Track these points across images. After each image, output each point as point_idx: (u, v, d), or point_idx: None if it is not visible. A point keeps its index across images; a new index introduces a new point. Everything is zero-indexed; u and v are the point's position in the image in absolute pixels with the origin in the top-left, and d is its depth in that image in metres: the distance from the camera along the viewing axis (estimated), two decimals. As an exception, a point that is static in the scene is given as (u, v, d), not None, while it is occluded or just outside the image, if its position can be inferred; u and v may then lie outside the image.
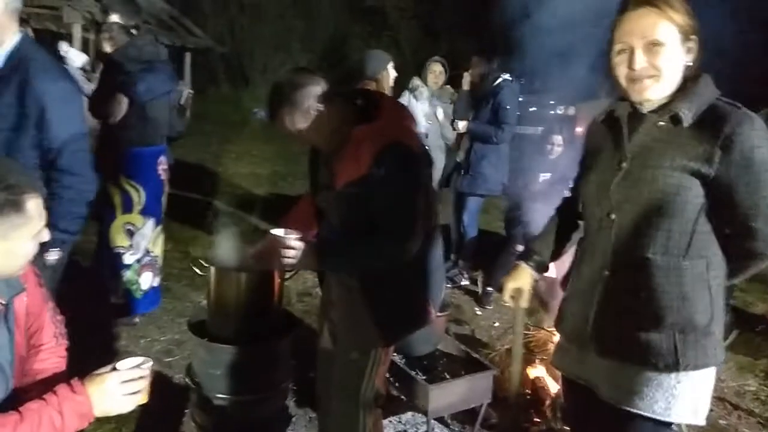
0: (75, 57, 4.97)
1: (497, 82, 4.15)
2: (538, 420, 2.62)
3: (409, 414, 2.70)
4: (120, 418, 2.35)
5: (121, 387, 1.34)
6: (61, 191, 1.95)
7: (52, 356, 1.53)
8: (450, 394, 2.49)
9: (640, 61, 1.38)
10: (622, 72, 1.43)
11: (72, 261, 3.74)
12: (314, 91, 1.71)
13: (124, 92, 2.99)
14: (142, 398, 1.38)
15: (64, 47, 5.28)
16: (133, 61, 3.05)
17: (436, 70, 4.48)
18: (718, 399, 3.12)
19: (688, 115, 1.37)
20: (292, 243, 1.71)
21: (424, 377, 2.53)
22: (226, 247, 2.15)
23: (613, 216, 1.46)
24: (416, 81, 4.51)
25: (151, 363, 1.40)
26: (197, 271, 2.32)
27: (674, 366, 1.42)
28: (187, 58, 11.73)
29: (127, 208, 3.15)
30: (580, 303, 1.56)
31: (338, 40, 15.91)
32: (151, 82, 3.07)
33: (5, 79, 1.92)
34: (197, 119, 9.25)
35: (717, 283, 1.45)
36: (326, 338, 2.08)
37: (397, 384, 2.59)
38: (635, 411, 1.45)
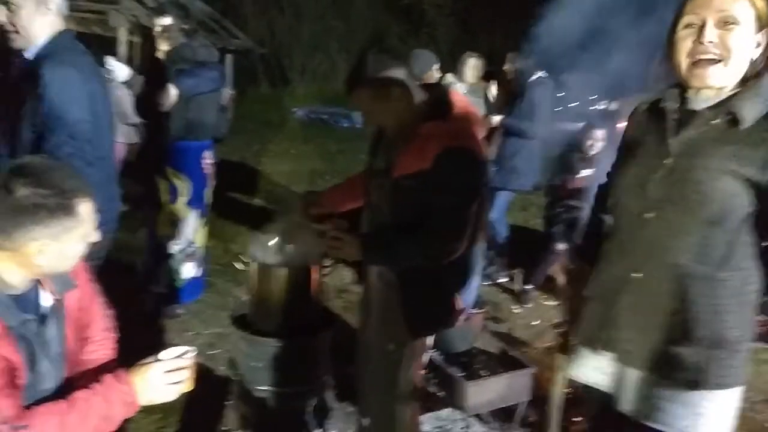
0: (120, 71, 5.17)
1: (533, 78, 4.11)
2: (578, 419, 2.58)
3: (446, 410, 2.69)
4: (165, 408, 2.43)
5: (165, 376, 1.38)
6: None
7: (102, 348, 1.59)
8: (488, 392, 2.48)
9: (710, 35, 1.26)
10: (685, 48, 1.30)
11: (117, 258, 3.89)
12: (396, 73, 1.71)
13: (174, 84, 3.09)
14: (185, 387, 1.42)
15: (109, 62, 5.51)
16: (187, 61, 3.17)
17: (471, 65, 4.45)
18: (769, 402, 3.01)
19: (749, 116, 1.26)
20: (340, 234, 1.77)
21: (461, 374, 2.52)
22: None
23: (648, 215, 1.36)
24: (450, 77, 4.49)
25: (193, 353, 1.45)
26: (239, 266, 2.37)
27: (699, 383, 1.33)
28: (228, 59, 11.96)
29: (173, 199, 3.26)
30: (600, 304, 1.47)
31: (376, 38, 15.95)
32: (200, 79, 3.18)
33: (32, 72, 1.98)
34: (238, 119, 9.44)
35: (752, 298, 1.35)
36: (366, 329, 2.10)
37: (434, 380, 2.59)
38: (658, 427, 1.38)
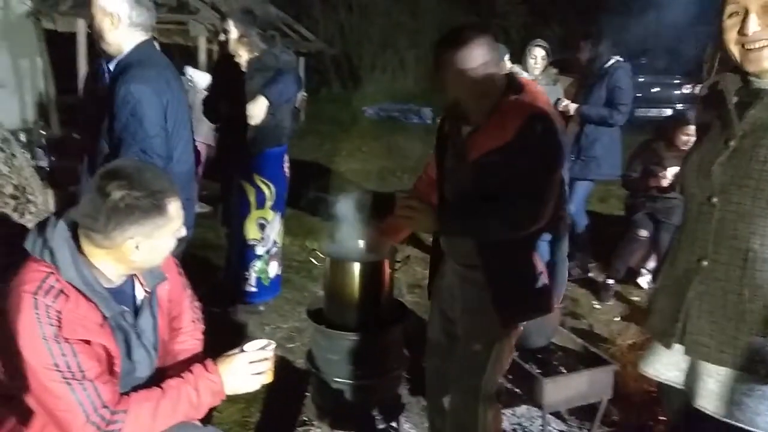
0: (200, 79, 5.41)
1: (609, 63, 3.96)
2: (663, 418, 2.47)
3: (524, 407, 2.65)
4: (248, 399, 2.54)
5: (249, 367, 1.45)
6: None
7: (191, 338, 1.69)
8: (566, 389, 2.41)
9: (754, 25, 1.22)
10: (732, 38, 1.26)
11: (202, 255, 4.08)
12: (486, 41, 1.72)
13: (264, 94, 3.17)
14: (267, 377, 1.48)
15: (189, 71, 5.77)
16: (270, 68, 3.25)
17: (538, 55, 4.34)
18: None
19: None
20: (413, 203, 1.74)
21: (538, 370, 2.47)
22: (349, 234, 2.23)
23: (714, 200, 1.30)
24: (516, 68, 4.39)
25: (274, 345, 1.51)
26: (314, 262, 2.44)
27: None
28: (301, 62, 12.23)
29: (260, 203, 3.40)
30: (671, 296, 1.41)
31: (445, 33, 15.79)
32: (285, 86, 3.25)
33: (113, 84, 2.09)
34: (311, 120, 9.64)
35: None
36: (437, 329, 2.10)
37: (510, 376, 2.55)
38: (739, 425, 1.29)
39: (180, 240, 2.16)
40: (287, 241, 4.03)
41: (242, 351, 1.48)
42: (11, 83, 9.63)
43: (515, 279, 1.83)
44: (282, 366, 2.82)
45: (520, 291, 1.84)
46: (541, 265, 1.83)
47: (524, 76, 4.24)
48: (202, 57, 8.28)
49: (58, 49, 8.81)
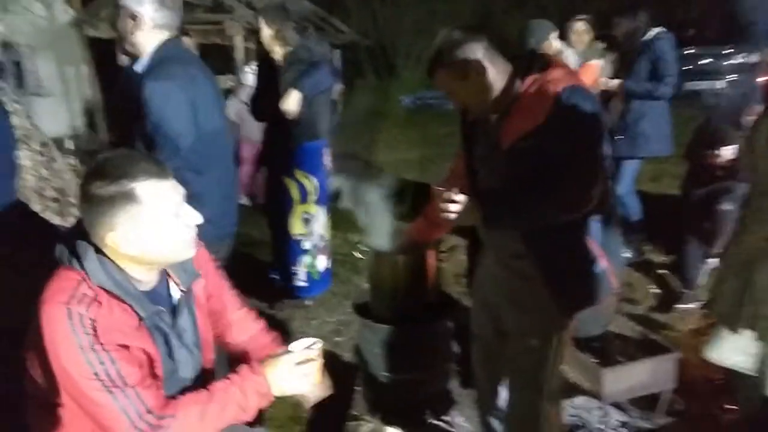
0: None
1: (652, 35, 3.74)
2: (731, 407, 2.32)
3: (581, 398, 2.54)
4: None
5: (296, 368, 1.40)
6: None
7: (250, 324, 1.64)
8: (626, 379, 2.30)
9: None
10: None
11: (248, 252, 4.10)
12: (473, 48, 1.62)
13: (297, 88, 3.14)
14: (316, 378, 1.44)
15: (253, 67, 5.83)
16: (304, 61, 3.22)
17: (580, 29, 4.15)
18: None
19: None
20: (455, 197, 1.60)
21: (595, 360, 2.37)
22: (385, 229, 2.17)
23: None
24: (558, 45, 4.22)
25: (320, 344, 1.46)
26: (358, 255, 2.40)
27: None
28: (336, 54, 12.22)
29: (304, 198, 3.39)
30: (736, 278, 1.33)
31: (482, 16, 15.50)
32: (319, 78, 3.21)
33: (139, 88, 2.02)
34: (347, 112, 9.64)
35: None
36: (481, 324, 2.02)
37: (566, 366, 2.45)
38: None
39: (225, 239, 2.14)
40: (331, 234, 4.00)
41: (288, 351, 1.44)
42: (58, 91, 9.99)
43: (569, 266, 1.71)
44: (330, 360, 2.79)
45: (577, 278, 1.72)
46: (596, 248, 1.71)
47: (569, 52, 4.08)
48: (240, 56, 8.36)
49: (102, 55, 9.05)
